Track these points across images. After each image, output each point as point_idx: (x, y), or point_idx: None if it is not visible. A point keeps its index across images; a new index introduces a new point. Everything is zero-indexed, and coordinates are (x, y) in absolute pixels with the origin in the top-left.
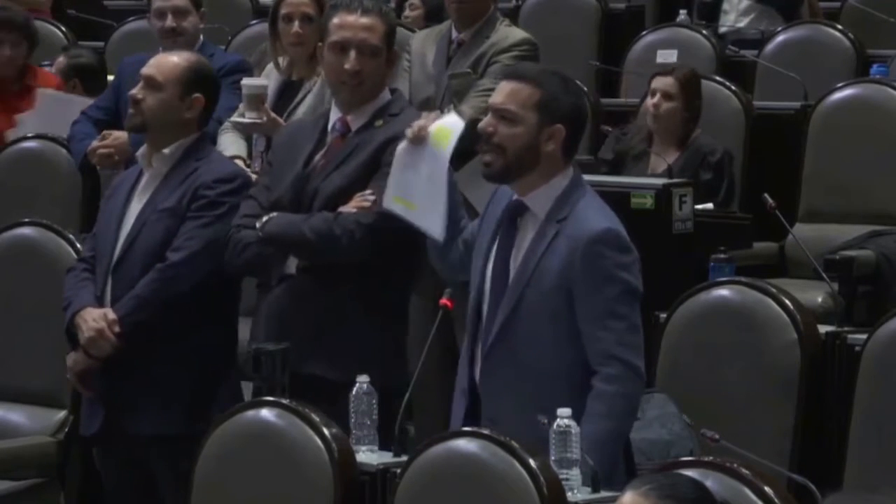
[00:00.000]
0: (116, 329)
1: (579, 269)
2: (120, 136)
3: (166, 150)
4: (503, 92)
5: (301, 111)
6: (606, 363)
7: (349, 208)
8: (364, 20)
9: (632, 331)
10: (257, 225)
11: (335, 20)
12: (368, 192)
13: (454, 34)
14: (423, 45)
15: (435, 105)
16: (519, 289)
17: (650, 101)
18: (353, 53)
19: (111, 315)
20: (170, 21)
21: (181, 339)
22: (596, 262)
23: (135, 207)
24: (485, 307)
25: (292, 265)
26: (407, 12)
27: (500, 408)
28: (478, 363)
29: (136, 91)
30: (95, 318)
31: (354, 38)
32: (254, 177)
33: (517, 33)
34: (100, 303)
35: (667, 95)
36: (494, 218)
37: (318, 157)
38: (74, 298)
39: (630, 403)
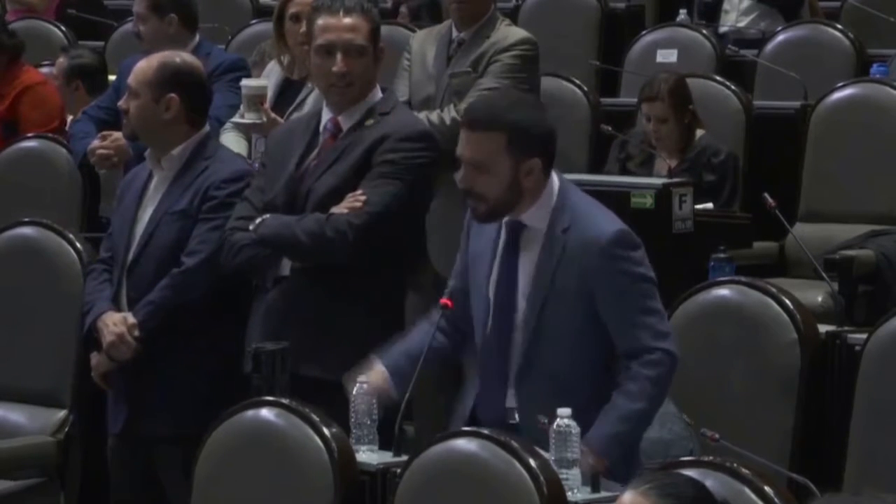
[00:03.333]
0: (136, 333)
1: (599, 274)
2: (119, 136)
3: (175, 152)
4: (469, 144)
5: (303, 112)
6: (646, 353)
7: (341, 209)
8: (347, 20)
9: (662, 320)
10: (251, 227)
11: (319, 22)
12: (360, 192)
13: (454, 34)
14: (423, 44)
15: (435, 104)
16: (538, 305)
17: (647, 126)
18: (339, 56)
19: (131, 320)
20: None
21: (196, 341)
22: (616, 264)
23: (147, 209)
24: (489, 332)
25: (286, 267)
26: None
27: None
28: (508, 390)
29: (123, 102)
30: (116, 323)
31: (339, 41)
32: None
33: (517, 32)
34: (115, 303)
35: (661, 119)
36: (486, 244)
37: (310, 157)
38: (95, 303)
39: (661, 388)
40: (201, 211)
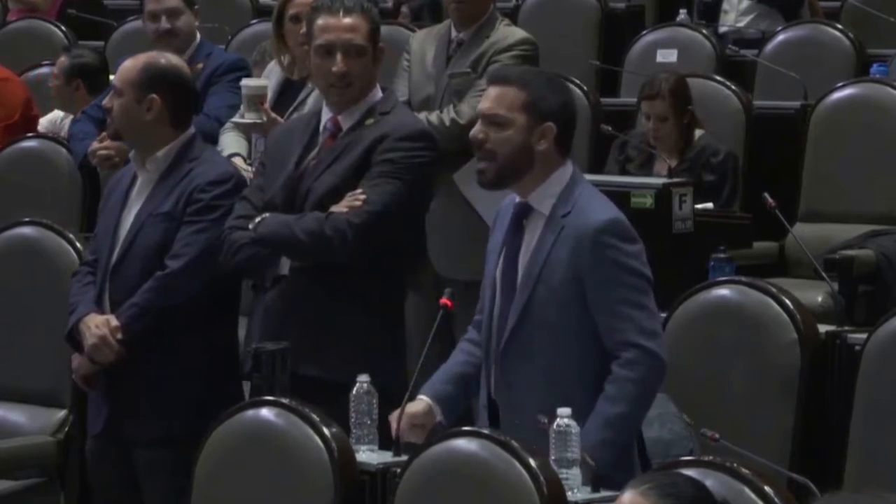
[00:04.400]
0: (119, 336)
1: (589, 260)
2: None
3: (159, 153)
4: (490, 97)
5: (304, 112)
6: (626, 349)
7: (340, 208)
8: (347, 20)
9: (650, 318)
10: (250, 226)
11: (319, 22)
12: (359, 191)
13: (454, 34)
14: (422, 44)
15: (434, 104)
16: (529, 286)
17: (647, 125)
18: (339, 56)
19: (114, 322)
20: (164, 23)
21: (182, 343)
22: (605, 252)
23: (131, 211)
24: (496, 313)
25: (286, 266)
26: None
27: (519, 408)
28: (492, 371)
29: (107, 100)
30: (98, 325)
31: (339, 41)
32: (250, 177)
33: (517, 33)
34: (98, 305)
35: (661, 118)
36: (502, 230)
37: (309, 157)
38: (79, 304)
39: (645, 389)
40: (186, 213)
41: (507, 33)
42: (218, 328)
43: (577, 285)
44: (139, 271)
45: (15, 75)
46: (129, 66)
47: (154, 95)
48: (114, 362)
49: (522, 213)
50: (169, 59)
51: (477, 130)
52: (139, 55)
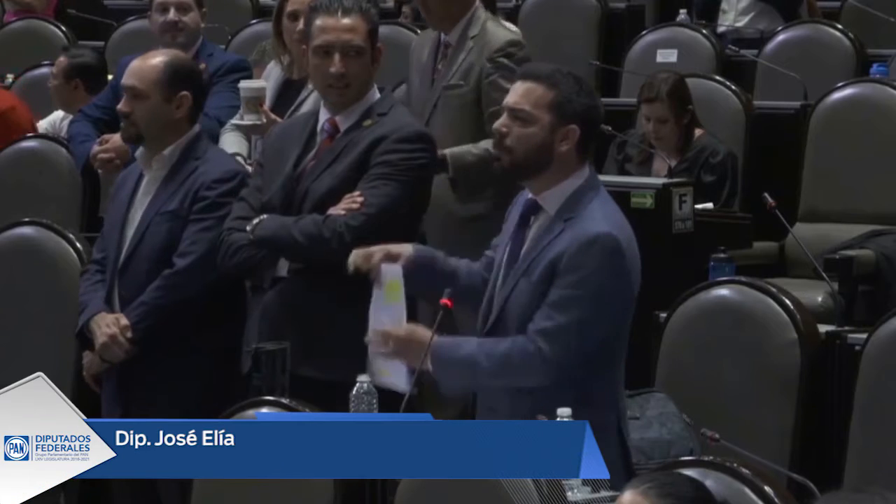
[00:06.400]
0: (129, 335)
1: (566, 264)
2: (118, 138)
3: (165, 152)
4: (517, 92)
5: (302, 112)
6: (531, 340)
7: (338, 210)
8: (346, 21)
9: (569, 330)
10: (248, 228)
11: (318, 23)
12: (357, 193)
13: (443, 36)
14: (420, 47)
15: (427, 108)
16: (515, 279)
17: (647, 127)
18: (337, 56)
19: (123, 321)
20: (172, 15)
21: (190, 341)
22: (581, 260)
23: (138, 210)
24: (494, 302)
25: (284, 267)
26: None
27: (496, 396)
28: None
29: (123, 105)
30: (109, 324)
31: (337, 41)
32: None
33: (500, 34)
34: (108, 304)
35: (661, 120)
36: (512, 223)
37: (307, 158)
38: (89, 303)
39: (511, 374)
40: (192, 212)
41: (491, 34)
42: (224, 325)
43: (550, 285)
44: (147, 269)
45: (20, 100)
46: (148, 66)
47: (185, 92)
48: (123, 361)
49: (531, 210)
50: (180, 55)
51: (500, 123)
52: (146, 55)
